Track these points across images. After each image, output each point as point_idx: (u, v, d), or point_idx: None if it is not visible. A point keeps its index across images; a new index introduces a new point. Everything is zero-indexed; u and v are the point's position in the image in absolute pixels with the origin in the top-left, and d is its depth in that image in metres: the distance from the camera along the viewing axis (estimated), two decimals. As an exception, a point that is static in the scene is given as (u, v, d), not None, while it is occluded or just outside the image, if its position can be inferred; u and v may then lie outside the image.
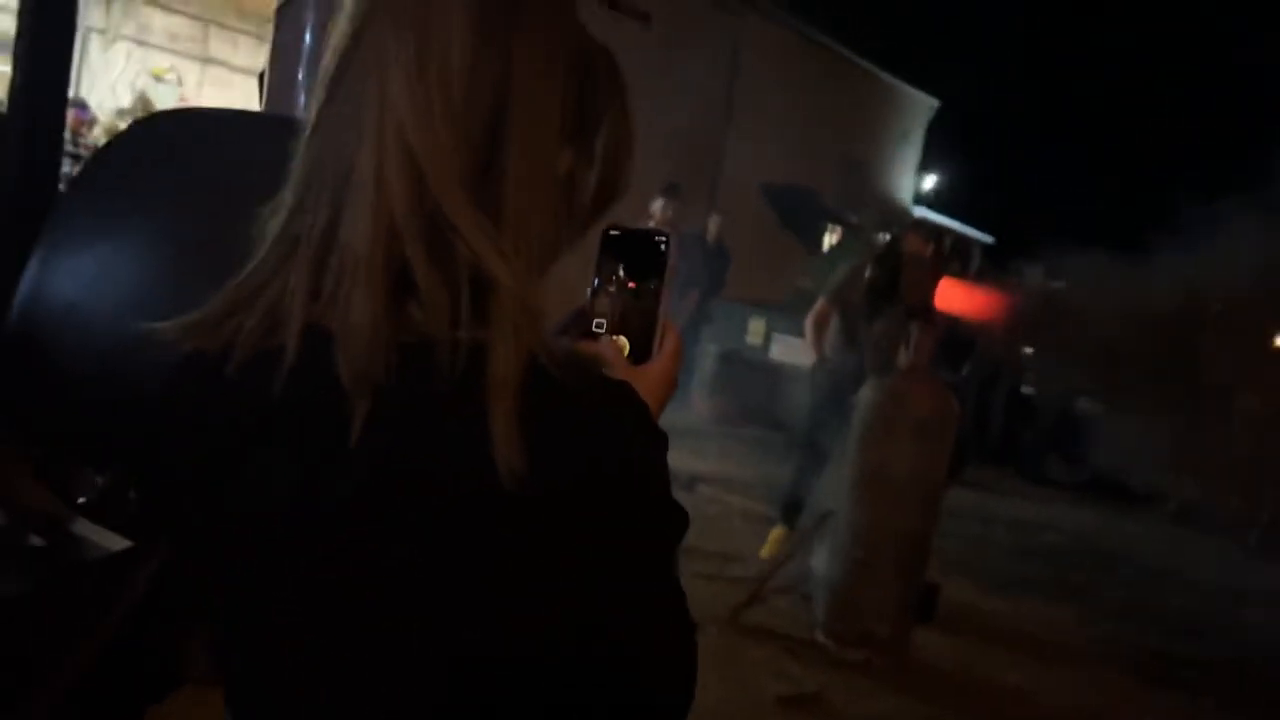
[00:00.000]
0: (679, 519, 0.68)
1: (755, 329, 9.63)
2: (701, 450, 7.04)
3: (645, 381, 0.74)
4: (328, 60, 0.68)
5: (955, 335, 7.40)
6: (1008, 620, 4.78)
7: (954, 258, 14.35)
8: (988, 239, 17.71)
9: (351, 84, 0.66)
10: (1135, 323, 6.60)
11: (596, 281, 0.80)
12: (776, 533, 4.86)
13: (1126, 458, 7.34)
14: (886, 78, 16.28)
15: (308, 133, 0.68)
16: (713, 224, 8.07)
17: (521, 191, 0.65)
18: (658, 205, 7.01)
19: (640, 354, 0.79)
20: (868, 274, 4.82)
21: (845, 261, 5.25)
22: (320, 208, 0.65)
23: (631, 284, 0.79)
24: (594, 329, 0.79)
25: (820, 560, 4.26)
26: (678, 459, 5.63)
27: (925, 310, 4.69)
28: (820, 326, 4.96)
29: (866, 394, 4.00)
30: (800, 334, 5.40)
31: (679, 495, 0.70)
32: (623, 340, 0.79)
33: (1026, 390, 9.43)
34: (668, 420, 0.72)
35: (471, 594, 0.61)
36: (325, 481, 0.63)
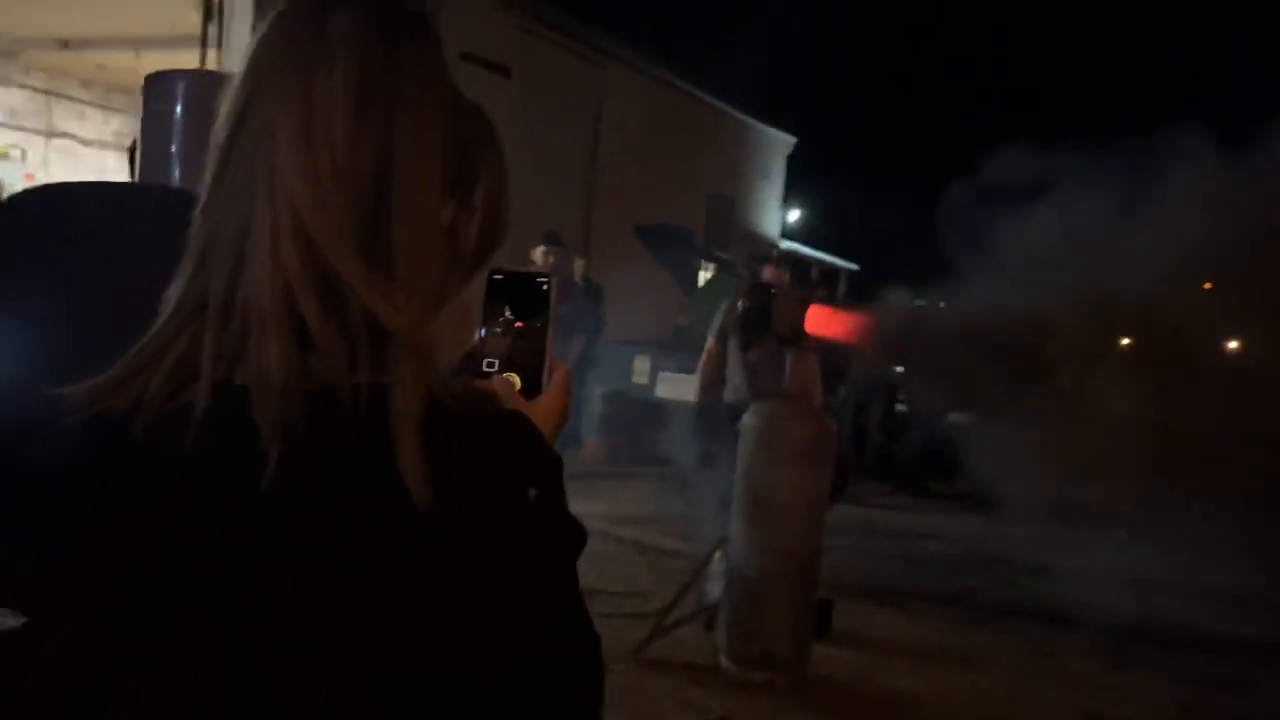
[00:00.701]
0: (578, 534, 0.74)
1: (640, 368, 9.77)
2: (594, 491, 7.07)
3: (538, 413, 0.80)
4: (218, 133, 0.72)
5: (829, 359, 7.68)
6: (900, 629, 4.95)
7: (821, 285, 14.85)
8: (853, 266, 18.35)
9: (242, 155, 0.71)
10: (993, 335, 6.97)
11: (485, 324, 0.85)
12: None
13: (999, 464, 7.68)
14: (745, 118, 16.84)
15: (202, 203, 0.72)
16: (578, 265, 8.61)
17: (409, 244, 0.71)
18: (539, 252, 7.12)
19: (531, 389, 0.84)
20: (740, 306, 5.01)
21: (720, 297, 5.50)
22: (220, 271, 0.69)
23: (518, 324, 0.85)
24: (485, 368, 0.84)
25: (717, 587, 4.35)
26: (570, 503, 5.57)
27: (798, 337, 4.88)
28: (707, 367, 5.34)
29: (748, 421, 4.13)
30: (685, 370, 5.66)
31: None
32: (514, 377, 0.84)
33: (900, 408, 9.79)
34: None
35: (394, 617, 0.66)
36: (244, 528, 0.67)
